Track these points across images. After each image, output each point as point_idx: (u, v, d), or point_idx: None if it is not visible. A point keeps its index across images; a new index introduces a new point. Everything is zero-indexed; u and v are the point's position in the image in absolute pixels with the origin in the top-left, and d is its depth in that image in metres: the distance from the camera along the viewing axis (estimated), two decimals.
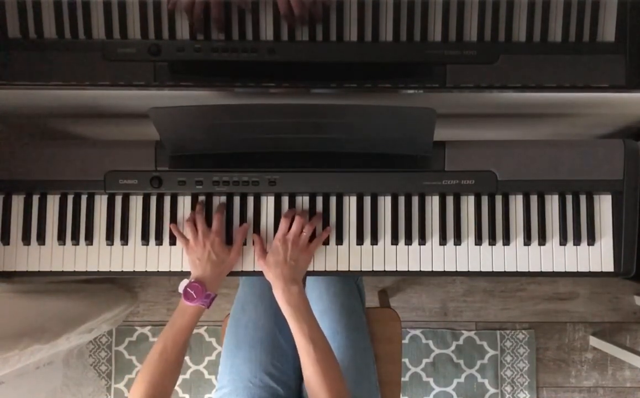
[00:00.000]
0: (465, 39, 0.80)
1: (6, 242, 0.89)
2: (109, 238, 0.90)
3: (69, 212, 0.90)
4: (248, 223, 0.90)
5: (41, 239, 0.89)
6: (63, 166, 0.88)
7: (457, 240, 0.90)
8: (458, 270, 0.90)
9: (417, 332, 1.66)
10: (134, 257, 0.90)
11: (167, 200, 0.91)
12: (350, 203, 0.91)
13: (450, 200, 0.90)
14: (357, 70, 0.81)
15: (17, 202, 0.90)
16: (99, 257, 0.90)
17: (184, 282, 0.84)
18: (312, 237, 0.88)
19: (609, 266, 0.90)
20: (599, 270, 0.90)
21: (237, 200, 0.91)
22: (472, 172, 0.88)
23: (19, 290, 0.98)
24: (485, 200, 0.90)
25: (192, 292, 0.83)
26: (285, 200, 0.91)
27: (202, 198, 0.90)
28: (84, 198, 0.90)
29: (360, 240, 0.90)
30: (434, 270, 0.90)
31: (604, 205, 0.90)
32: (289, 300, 0.82)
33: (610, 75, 0.80)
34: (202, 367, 1.65)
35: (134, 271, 0.91)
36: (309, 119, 0.81)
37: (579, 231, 0.89)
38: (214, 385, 1.64)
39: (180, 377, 1.65)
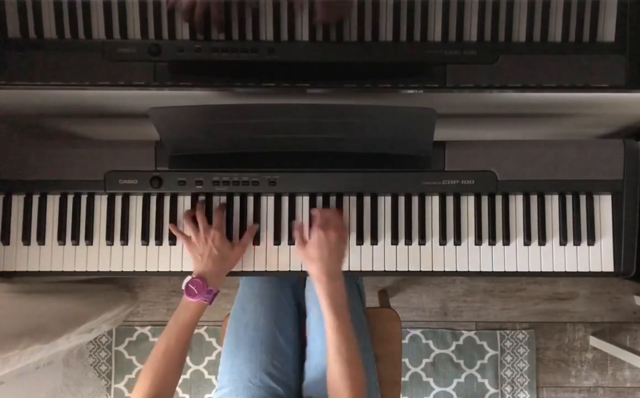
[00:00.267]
0: (465, 39, 0.80)
1: (6, 242, 0.89)
2: (109, 238, 0.90)
3: (69, 212, 0.90)
4: (257, 224, 0.90)
5: (41, 239, 0.89)
6: (63, 166, 0.88)
7: (457, 240, 0.90)
8: (458, 270, 0.90)
9: (417, 332, 1.66)
10: (134, 257, 0.90)
11: (167, 200, 0.91)
12: (350, 203, 0.91)
13: (450, 200, 0.90)
14: (357, 70, 0.81)
15: (17, 202, 0.90)
16: (99, 257, 0.90)
17: (187, 279, 0.84)
18: None
19: (609, 266, 0.90)
20: (599, 270, 0.90)
21: (237, 200, 0.91)
22: (472, 172, 0.88)
23: (19, 290, 0.98)
24: (485, 200, 0.90)
25: (194, 288, 0.82)
26: (285, 200, 0.91)
27: (202, 198, 0.90)
28: (84, 198, 0.90)
29: (360, 240, 0.90)
30: (434, 270, 0.90)
31: (604, 205, 0.90)
32: (333, 297, 0.81)
33: (610, 75, 0.80)
34: (202, 367, 1.65)
35: (134, 271, 0.91)
36: (309, 119, 0.81)
37: (579, 231, 0.89)
38: (214, 385, 1.64)
39: (180, 377, 1.65)
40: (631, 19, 0.79)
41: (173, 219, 0.90)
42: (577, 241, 0.89)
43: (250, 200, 0.91)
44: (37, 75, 0.79)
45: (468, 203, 0.90)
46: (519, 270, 0.90)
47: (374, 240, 0.90)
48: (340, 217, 0.87)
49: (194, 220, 0.88)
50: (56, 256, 0.90)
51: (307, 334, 1.04)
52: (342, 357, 0.79)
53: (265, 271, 0.91)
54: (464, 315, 1.67)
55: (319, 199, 0.91)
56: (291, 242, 0.90)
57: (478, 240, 0.90)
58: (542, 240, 0.89)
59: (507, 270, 0.90)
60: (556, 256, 0.90)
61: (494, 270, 0.90)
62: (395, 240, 0.90)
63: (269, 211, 0.91)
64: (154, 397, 0.76)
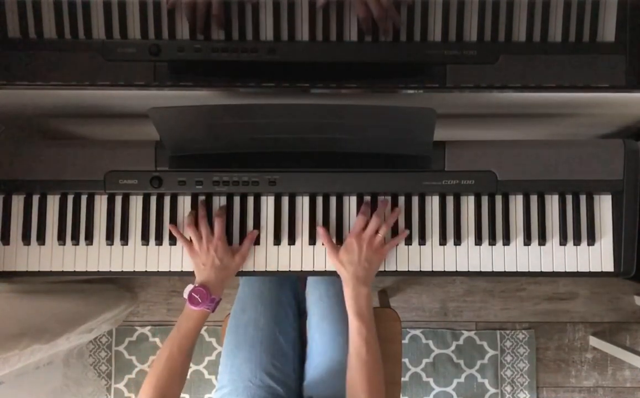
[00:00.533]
0: (465, 39, 0.80)
1: (6, 242, 0.89)
2: (109, 238, 0.90)
3: (69, 212, 0.90)
4: (256, 229, 0.90)
5: (41, 239, 0.89)
6: (63, 166, 0.88)
7: (457, 240, 0.90)
8: (458, 270, 0.90)
9: (417, 332, 1.66)
10: (134, 257, 0.90)
11: (167, 200, 0.91)
12: (350, 203, 0.91)
13: (450, 200, 0.90)
14: (357, 70, 0.81)
15: (17, 202, 0.90)
16: (99, 257, 0.90)
17: (189, 287, 0.84)
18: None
19: (609, 266, 0.90)
20: (599, 270, 0.90)
21: (237, 200, 0.91)
22: (472, 172, 0.88)
23: (19, 290, 0.98)
24: (485, 200, 0.90)
25: (197, 297, 0.83)
26: (285, 200, 0.91)
27: (202, 198, 0.90)
28: (84, 198, 0.90)
29: None
30: (434, 270, 0.90)
31: (604, 205, 0.90)
32: (357, 300, 0.83)
33: (610, 75, 0.80)
34: (202, 367, 1.65)
35: (134, 271, 0.91)
36: (309, 119, 0.81)
37: (579, 231, 0.89)
38: (214, 385, 1.64)
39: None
40: (631, 19, 0.79)
41: (173, 219, 0.90)
42: (577, 241, 0.89)
43: (250, 200, 0.91)
44: (37, 75, 0.79)
45: (468, 203, 0.90)
46: (519, 270, 0.90)
47: None
48: (386, 227, 0.87)
49: (195, 225, 0.88)
50: (56, 256, 0.90)
51: (307, 334, 1.04)
52: (361, 360, 0.79)
53: (265, 271, 0.91)
54: (464, 315, 1.67)
55: (319, 199, 0.90)
56: (291, 241, 0.90)
57: (478, 240, 0.90)
58: (542, 240, 0.89)
59: (507, 270, 0.90)
60: (556, 256, 0.90)
61: (494, 270, 0.90)
62: None
63: (269, 211, 0.91)
64: None
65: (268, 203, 0.91)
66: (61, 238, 0.89)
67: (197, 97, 0.84)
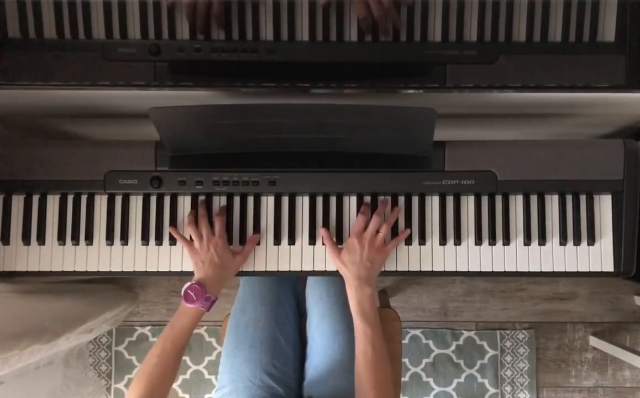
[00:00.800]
0: (465, 39, 0.80)
1: (6, 242, 0.89)
2: (109, 238, 0.90)
3: (69, 212, 0.90)
4: (257, 234, 0.90)
5: (41, 239, 0.89)
6: (63, 166, 0.88)
7: (457, 240, 0.90)
8: (458, 270, 0.90)
9: (417, 332, 1.66)
10: (134, 257, 0.90)
11: (167, 200, 0.91)
12: (350, 203, 0.91)
13: (450, 200, 0.90)
14: (357, 70, 0.81)
15: (17, 202, 0.90)
16: (99, 257, 0.90)
17: (186, 284, 0.84)
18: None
19: (609, 266, 0.90)
20: (599, 270, 0.90)
21: (237, 200, 0.91)
22: (472, 172, 0.88)
23: (19, 290, 0.98)
24: (485, 200, 0.90)
25: (193, 294, 0.83)
26: (285, 200, 0.91)
27: (202, 198, 0.90)
28: (84, 198, 0.90)
29: None
30: (434, 270, 0.90)
31: (604, 205, 0.90)
32: (360, 301, 0.83)
33: (610, 75, 0.80)
34: (202, 367, 1.65)
35: (134, 271, 0.91)
36: (309, 119, 0.81)
37: (579, 231, 0.89)
38: (214, 385, 1.64)
39: (180, 377, 1.65)
40: (631, 19, 0.79)
41: (173, 219, 0.90)
42: (577, 241, 0.89)
43: (250, 200, 0.91)
44: (37, 75, 0.79)
45: (468, 203, 0.90)
46: (519, 270, 0.90)
47: None
48: (387, 227, 0.87)
49: (196, 225, 0.88)
50: (56, 256, 0.90)
51: (307, 334, 1.04)
52: (367, 361, 0.80)
53: (265, 271, 0.91)
54: (464, 315, 1.67)
55: (319, 199, 0.91)
56: (291, 241, 0.90)
57: (478, 240, 0.90)
58: (542, 240, 0.89)
59: (507, 270, 0.90)
60: (556, 256, 0.90)
61: (494, 270, 0.90)
62: None
63: (269, 211, 0.91)
64: None
65: (268, 204, 0.91)
66: (61, 238, 0.89)
67: (197, 97, 0.84)
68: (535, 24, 0.79)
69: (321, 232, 0.89)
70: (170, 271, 0.91)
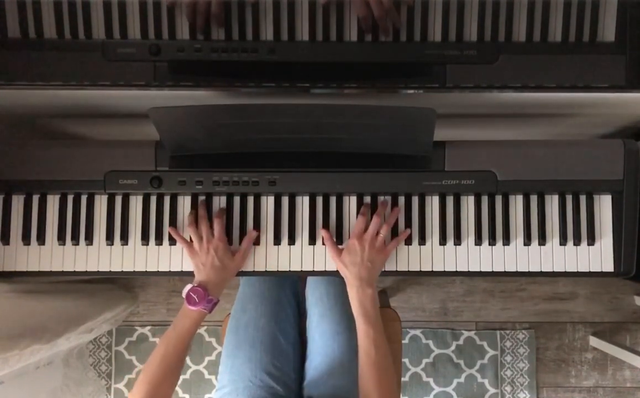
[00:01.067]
0: (465, 39, 0.80)
1: (6, 242, 0.89)
2: (109, 238, 0.90)
3: (69, 212, 0.90)
4: (256, 230, 0.90)
5: (41, 239, 0.89)
6: (63, 166, 0.88)
7: (457, 240, 0.90)
8: (458, 270, 0.90)
9: (417, 332, 1.66)
10: (134, 257, 0.90)
11: (167, 200, 0.91)
12: (350, 203, 0.91)
13: (450, 200, 0.90)
14: (357, 70, 0.81)
15: (17, 202, 0.90)
16: (99, 257, 0.90)
17: (188, 286, 0.84)
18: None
19: (609, 266, 0.90)
20: (599, 270, 0.90)
21: (237, 200, 0.91)
22: (472, 172, 0.88)
23: (19, 290, 0.98)
24: (485, 200, 0.90)
25: (195, 297, 0.83)
26: (285, 200, 0.91)
27: (202, 198, 0.90)
28: (84, 198, 0.90)
29: None
30: (434, 270, 0.90)
31: (604, 205, 0.90)
32: (362, 301, 0.83)
33: (610, 75, 0.80)
34: (202, 367, 1.65)
35: (134, 271, 0.91)
36: (309, 119, 0.81)
37: (579, 231, 0.89)
38: (214, 385, 1.64)
39: (180, 377, 1.64)
40: (631, 19, 0.79)
41: (173, 219, 0.90)
42: (577, 241, 0.89)
43: (250, 200, 0.91)
44: (37, 75, 0.79)
45: (468, 203, 0.90)
46: (519, 270, 0.90)
47: None
48: (387, 228, 0.87)
49: (195, 225, 0.88)
50: (56, 256, 0.90)
51: (307, 334, 1.04)
52: (370, 361, 0.80)
53: (265, 271, 0.91)
54: (464, 315, 1.67)
55: (319, 199, 0.91)
56: (291, 241, 0.90)
57: (478, 240, 0.90)
58: (542, 240, 0.89)
59: (507, 270, 0.90)
60: (556, 256, 0.90)
61: (494, 270, 0.90)
62: None
63: (269, 211, 0.91)
64: None
65: (268, 203, 0.91)
66: (61, 238, 0.89)
67: (197, 97, 0.84)
68: (535, 24, 0.79)
69: (322, 233, 0.89)
70: (170, 271, 0.91)
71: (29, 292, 1.02)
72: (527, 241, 0.89)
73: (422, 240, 0.90)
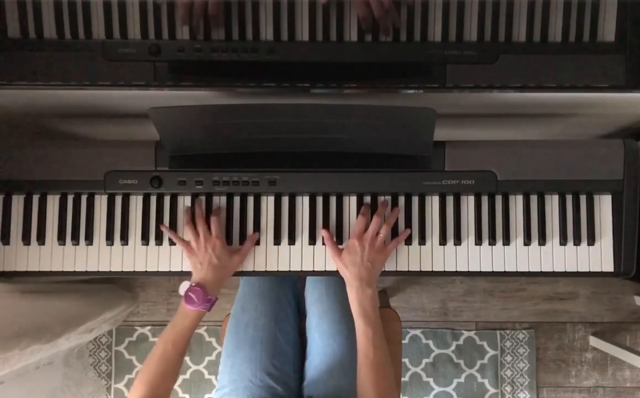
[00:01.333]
0: (465, 39, 0.80)
1: (6, 242, 0.89)
2: (109, 238, 0.90)
3: (69, 212, 0.90)
4: (257, 232, 0.90)
5: (41, 239, 0.89)
6: (63, 166, 0.88)
7: (457, 240, 0.90)
8: (458, 270, 0.90)
9: (417, 332, 1.66)
10: (134, 257, 0.90)
11: (167, 200, 0.91)
12: (350, 203, 0.91)
13: (450, 200, 0.90)
14: (357, 70, 0.81)
15: (17, 202, 0.90)
16: (99, 257, 0.90)
17: (185, 285, 0.84)
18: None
19: (609, 266, 0.90)
20: (599, 270, 0.90)
21: (237, 200, 0.91)
22: (472, 172, 0.88)
23: (19, 290, 0.98)
24: (485, 200, 0.90)
25: (194, 296, 0.83)
26: (285, 200, 0.91)
27: (201, 198, 0.90)
28: (84, 198, 0.90)
29: None
30: (434, 270, 0.90)
31: (604, 205, 0.90)
32: (361, 302, 0.83)
33: (610, 75, 0.80)
34: (202, 367, 1.65)
35: (134, 271, 0.91)
36: (309, 119, 0.81)
37: (579, 231, 0.89)
38: (214, 385, 1.64)
39: (180, 377, 1.65)
40: (631, 19, 0.79)
41: (173, 219, 0.90)
42: (577, 241, 0.89)
43: (250, 200, 0.91)
44: (37, 75, 0.79)
45: (468, 203, 0.90)
46: (519, 270, 0.90)
47: None
48: (387, 228, 0.87)
49: (193, 225, 0.88)
50: (56, 256, 0.90)
51: (307, 334, 1.04)
52: (369, 362, 0.80)
53: (265, 271, 0.91)
54: (464, 315, 1.67)
55: (319, 199, 0.91)
56: (291, 241, 0.90)
57: (478, 240, 0.90)
58: (542, 240, 0.89)
59: (507, 270, 0.90)
60: (556, 256, 0.90)
61: (494, 270, 0.90)
62: None
63: (269, 211, 0.91)
64: None
65: (268, 204, 0.91)
66: (61, 238, 0.89)
67: (197, 97, 0.84)
68: (535, 24, 0.79)
69: (322, 233, 0.89)
70: (170, 271, 0.91)
71: (29, 292, 1.02)
72: (527, 241, 0.90)
73: (422, 240, 0.90)
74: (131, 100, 0.86)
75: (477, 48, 0.80)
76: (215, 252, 0.85)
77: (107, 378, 1.66)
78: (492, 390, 1.65)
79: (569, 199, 0.90)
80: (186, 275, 0.90)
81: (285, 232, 0.90)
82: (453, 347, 1.66)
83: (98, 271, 0.90)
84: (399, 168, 0.88)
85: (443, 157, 0.88)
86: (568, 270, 0.90)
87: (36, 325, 1.01)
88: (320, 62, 0.80)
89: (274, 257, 0.91)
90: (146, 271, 0.91)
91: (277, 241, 0.90)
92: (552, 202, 0.90)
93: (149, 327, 1.66)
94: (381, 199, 0.90)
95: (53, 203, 0.90)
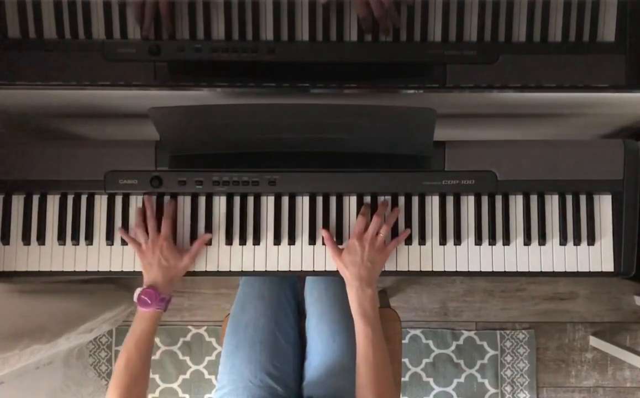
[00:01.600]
0: (465, 39, 0.80)
1: (6, 242, 0.89)
2: (109, 238, 0.90)
3: (69, 212, 0.90)
4: (210, 234, 0.89)
5: (41, 239, 0.89)
6: (63, 166, 0.88)
7: (457, 240, 0.90)
8: (458, 270, 0.90)
9: (417, 332, 1.66)
10: (134, 257, 0.90)
11: (167, 200, 0.90)
12: (350, 203, 0.91)
13: (450, 200, 0.90)
14: (357, 70, 0.81)
15: (17, 202, 0.90)
16: (99, 257, 0.90)
17: (137, 291, 0.84)
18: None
19: (609, 266, 0.90)
20: (599, 270, 0.90)
21: (237, 200, 0.91)
22: (472, 172, 0.88)
23: (19, 290, 0.98)
24: (485, 200, 0.90)
25: (147, 298, 0.83)
26: (285, 200, 0.91)
27: (146, 196, 0.89)
28: (84, 198, 0.90)
29: None
30: (434, 270, 0.90)
31: (604, 205, 0.90)
32: (361, 301, 0.83)
33: (610, 75, 0.80)
34: (202, 367, 1.65)
35: (133, 271, 0.91)
36: (309, 119, 0.81)
37: (579, 231, 0.89)
38: (214, 385, 1.64)
39: (180, 377, 1.65)
40: (631, 19, 0.79)
41: (173, 219, 0.90)
42: (577, 241, 0.89)
43: (250, 200, 0.91)
44: (37, 75, 0.79)
45: (468, 203, 0.90)
46: (519, 270, 0.90)
47: None
48: (387, 228, 0.87)
49: (144, 228, 0.88)
50: (56, 256, 0.90)
51: (306, 334, 1.04)
52: (368, 362, 0.80)
53: (265, 271, 0.91)
54: (464, 315, 1.67)
55: (319, 199, 0.91)
56: (291, 241, 0.90)
57: (478, 240, 0.90)
58: (542, 240, 0.89)
59: (507, 270, 0.90)
60: (556, 256, 0.90)
61: (494, 270, 0.90)
62: None
63: (269, 211, 0.91)
64: None
65: (268, 203, 0.91)
66: (61, 238, 0.89)
67: (197, 97, 0.84)
68: (535, 24, 0.79)
69: (322, 233, 0.89)
70: None
71: (29, 292, 1.02)
72: (527, 241, 0.90)
73: (422, 240, 0.90)
74: (131, 100, 0.86)
75: (477, 48, 0.80)
76: (163, 253, 0.85)
77: (107, 378, 1.66)
78: (492, 390, 1.65)
79: (569, 199, 0.90)
80: (186, 275, 0.90)
81: (285, 232, 0.90)
82: (453, 347, 1.66)
83: (98, 271, 0.90)
84: (399, 168, 0.88)
85: (443, 157, 0.88)
86: (568, 270, 0.90)
87: (36, 325, 1.01)
88: (320, 62, 0.80)
89: (273, 257, 0.91)
90: None
91: (277, 241, 0.90)
92: (552, 202, 0.90)
93: None
94: (381, 198, 0.90)
95: (53, 203, 0.90)
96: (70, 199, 0.90)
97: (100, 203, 0.90)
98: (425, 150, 0.87)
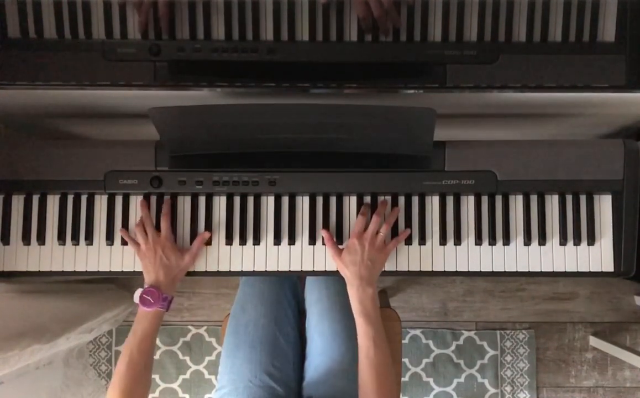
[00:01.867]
0: (465, 39, 0.80)
1: (6, 242, 0.89)
2: (109, 238, 0.90)
3: (69, 212, 0.90)
4: (209, 232, 0.89)
5: (41, 239, 0.89)
6: (63, 166, 0.88)
7: (457, 240, 0.90)
8: (458, 270, 0.90)
9: (417, 332, 1.66)
10: (134, 257, 0.90)
11: (166, 200, 0.90)
12: (350, 203, 0.91)
13: (450, 200, 0.90)
14: (357, 70, 0.81)
15: (17, 202, 0.90)
16: (99, 257, 0.90)
17: (139, 291, 0.84)
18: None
19: (609, 266, 0.90)
20: (599, 270, 0.90)
21: (237, 200, 0.91)
22: (472, 172, 0.88)
23: (19, 290, 0.98)
24: (485, 200, 0.90)
25: (149, 298, 0.83)
26: (285, 200, 0.91)
27: (140, 198, 0.90)
28: (84, 198, 0.90)
29: None
30: (434, 270, 0.90)
31: (604, 205, 0.90)
32: (362, 301, 0.83)
33: (610, 75, 0.80)
34: (202, 367, 1.65)
35: (133, 271, 0.91)
36: (309, 119, 0.81)
37: (579, 231, 0.89)
38: (214, 385, 1.64)
39: (180, 377, 1.65)
40: (631, 19, 0.79)
41: (173, 219, 0.90)
42: (577, 241, 0.89)
43: (250, 200, 0.91)
44: (37, 75, 0.79)
45: (468, 203, 0.90)
46: (519, 270, 0.90)
47: None
48: (387, 227, 0.87)
49: (143, 228, 0.88)
50: (56, 256, 0.90)
51: (306, 334, 1.04)
52: (370, 361, 0.80)
53: (265, 271, 0.91)
54: (464, 315, 1.67)
55: (319, 199, 0.91)
56: (291, 241, 0.90)
57: (478, 240, 0.90)
58: (542, 240, 0.89)
59: (507, 270, 0.90)
60: (556, 256, 0.90)
61: (494, 270, 0.90)
62: None
63: (269, 211, 0.91)
64: None
65: (268, 203, 0.91)
66: (61, 238, 0.89)
67: (197, 97, 0.84)
68: (535, 24, 0.79)
69: (322, 233, 0.89)
70: None
71: (29, 292, 1.02)
72: (527, 241, 0.90)
73: (422, 240, 0.90)
74: (131, 100, 0.86)
75: (477, 48, 0.80)
76: (164, 252, 0.85)
77: (107, 378, 1.66)
78: (492, 390, 1.65)
79: (569, 198, 0.90)
80: (187, 275, 0.90)
81: (285, 232, 0.90)
82: (453, 347, 1.66)
83: (98, 271, 0.90)
84: (399, 168, 0.89)
85: (443, 157, 0.88)
86: (568, 270, 0.90)
87: (36, 325, 1.01)
88: (320, 62, 0.80)
89: (273, 257, 0.91)
90: None
91: (277, 241, 0.90)
92: (552, 202, 0.90)
93: None
94: (381, 198, 0.90)
95: (53, 203, 0.90)
96: (70, 199, 0.90)
97: (100, 203, 0.90)
98: (425, 150, 0.87)
